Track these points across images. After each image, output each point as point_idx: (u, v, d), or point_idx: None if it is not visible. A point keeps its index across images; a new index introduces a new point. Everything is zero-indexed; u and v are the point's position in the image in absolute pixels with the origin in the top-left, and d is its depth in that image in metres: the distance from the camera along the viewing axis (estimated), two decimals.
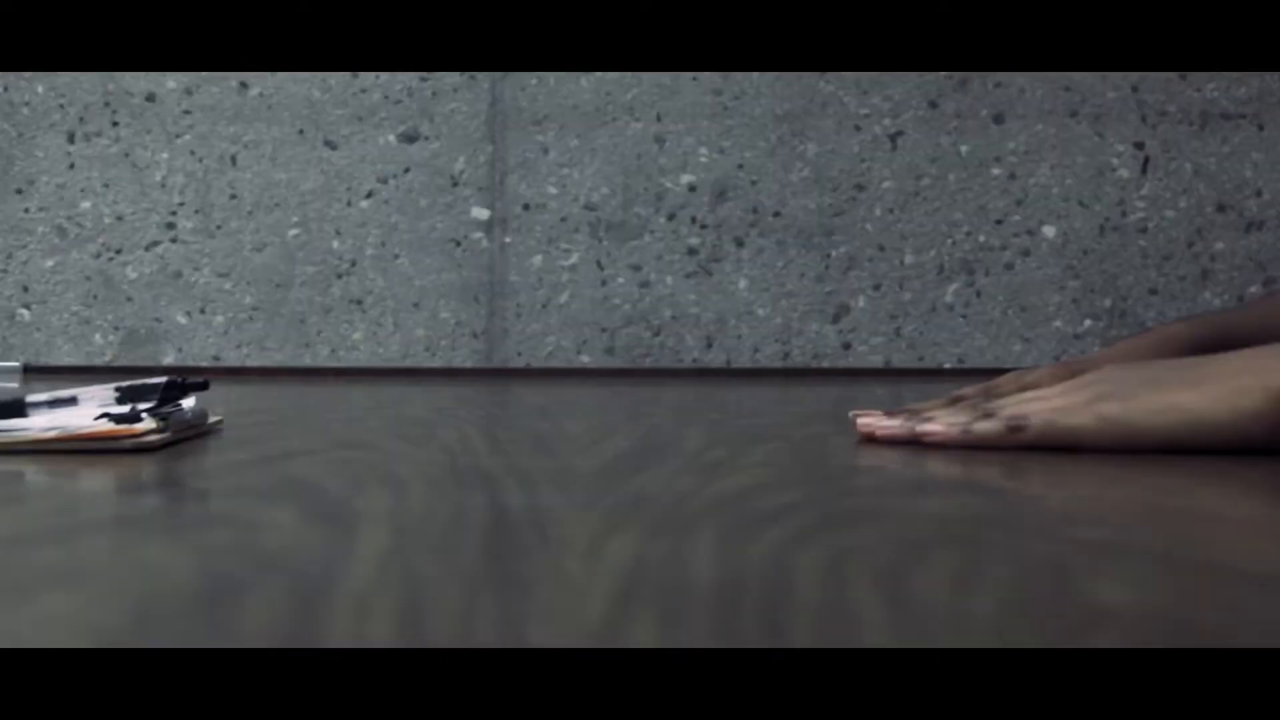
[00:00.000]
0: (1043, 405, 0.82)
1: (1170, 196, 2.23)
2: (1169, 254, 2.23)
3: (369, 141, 2.23)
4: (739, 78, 2.22)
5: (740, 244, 2.23)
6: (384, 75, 2.22)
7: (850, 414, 0.92)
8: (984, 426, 0.82)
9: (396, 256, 2.23)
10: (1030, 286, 2.23)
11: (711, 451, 0.81)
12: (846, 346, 2.23)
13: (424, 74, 2.22)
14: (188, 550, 0.47)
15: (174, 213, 2.23)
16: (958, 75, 2.22)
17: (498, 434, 0.97)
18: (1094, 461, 0.74)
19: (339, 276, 2.22)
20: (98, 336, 2.25)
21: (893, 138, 2.23)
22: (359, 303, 2.22)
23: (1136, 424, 0.78)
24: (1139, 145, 2.23)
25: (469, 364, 2.23)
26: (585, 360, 2.22)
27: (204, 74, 2.21)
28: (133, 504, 0.60)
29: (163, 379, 0.91)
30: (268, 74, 2.21)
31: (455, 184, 2.23)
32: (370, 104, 2.22)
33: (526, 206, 2.23)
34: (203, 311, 2.23)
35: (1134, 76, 2.22)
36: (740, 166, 2.23)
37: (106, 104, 2.18)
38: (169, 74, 2.19)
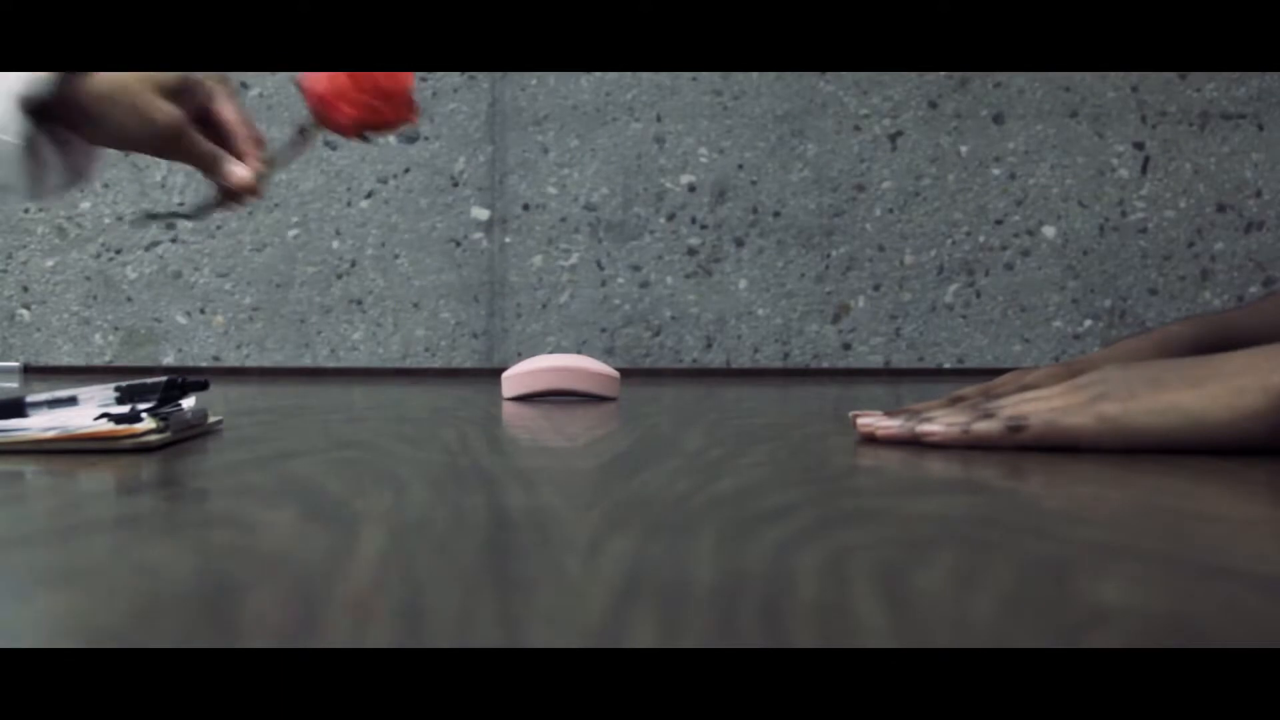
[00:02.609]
0: (1043, 405, 0.82)
1: (1170, 196, 2.23)
2: (1169, 254, 2.23)
3: (369, 141, 2.23)
4: (739, 78, 2.22)
5: (740, 244, 2.23)
6: None
7: (850, 414, 0.92)
8: (984, 426, 0.82)
9: (396, 256, 2.22)
10: (1030, 286, 2.23)
11: (711, 451, 0.81)
12: (846, 346, 2.23)
13: (424, 74, 2.22)
14: (188, 550, 0.47)
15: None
16: (958, 75, 2.22)
17: (498, 434, 0.97)
18: (1094, 461, 0.74)
19: (339, 276, 2.22)
20: (98, 336, 2.24)
21: (893, 138, 2.23)
22: (359, 303, 2.22)
23: (1136, 424, 0.78)
24: (1139, 145, 2.23)
25: (469, 364, 2.23)
26: None
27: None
28: (133, 504, 0.60)
29: (163, 379, 0.91)
30: (268, 74, 2.21)
31: (455, 184, 2.23)
32: None
33: (526, 206, 2.23)
34: (203, 311, 2.23)
35: (1134, 76, 2.22)
36: (740, 166, 2.23)
37: None
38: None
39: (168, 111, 1.05)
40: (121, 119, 1.04)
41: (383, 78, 1.08)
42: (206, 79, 1.07)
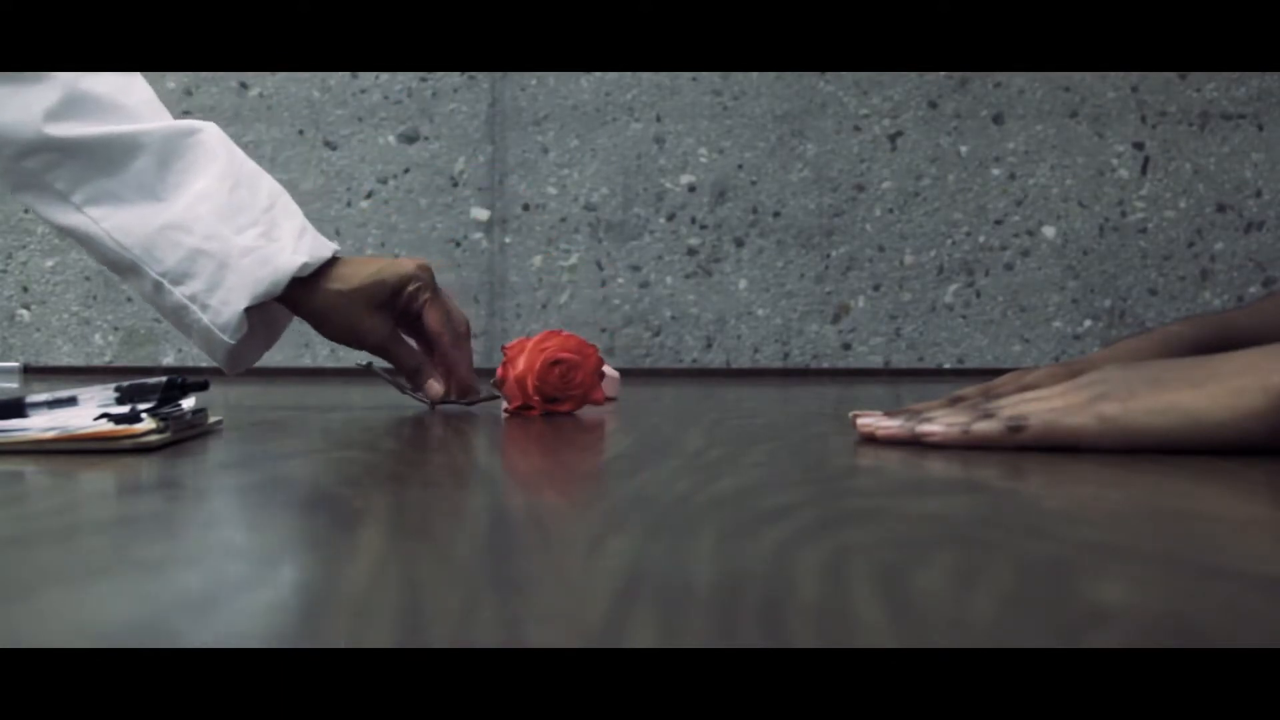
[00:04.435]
0: (1042, 405, 0.82)
1: (1170, 196, 2.23)
2: (1169, 254, 2.23)
3: (369, 141, 2.23)
4: (739, 78, 2.22)
5: (740, 244, 2.23)
6: (384, 75, 2.22)
7: (850, 414, 0.92)
8: (984, 426, 0.82)
9: (396, 256, 2.22)
10: (1030, 286, 2.23)
11: (711, 451, 0.81)
12: (846, 346, 2.23)
13: (424, 74, 2.22)
14: (188, 550, 0.47)
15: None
16: (958, 75, 2.22)
17: (498, 434, 0.97)
18: (1094, 461, 0.74)
19: None
20: (98, 336, 2.24)
21: (893, 138, 2.23)
22: None
23: (1137, 424, 0.78)
24: (1139, 145, 2.23)
25: None
26: None
27: (204, 74, 2.21)
28: (133, 504, 0.60)
29: (162, 379, 0.91)
30: (268, 74, 2.21)
31: (455, 184, 2.23)
32: (370, 104, 2.22)
33: (526, 206, 2.23)
34: None
35: (1134, 76, 2.22)
36: (740, 166, 2.23)
37: None
38: (169, 74, 2.19)
39: (375, 329, 1.17)
40: (335, 332, 1.17)
41: (562, 380, 1.16)
42: (414, 282, 1.18)
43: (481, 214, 2.23)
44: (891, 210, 2.23)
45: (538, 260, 2.22)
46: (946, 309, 2.23)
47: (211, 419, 0.97)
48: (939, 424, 0.83)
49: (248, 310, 1.13)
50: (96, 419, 0.81)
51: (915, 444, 0.84)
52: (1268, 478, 0.67)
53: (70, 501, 0.61)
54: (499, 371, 1.17)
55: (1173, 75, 2.22)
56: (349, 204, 2.23)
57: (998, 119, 2.23)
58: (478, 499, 0.60)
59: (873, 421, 0.88)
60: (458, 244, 2.22)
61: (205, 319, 1.13)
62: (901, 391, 1.64)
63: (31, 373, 2.19)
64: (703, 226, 2.22)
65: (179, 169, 1.15)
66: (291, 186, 2.22)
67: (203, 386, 0.95)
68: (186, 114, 2.21)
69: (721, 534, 0.50)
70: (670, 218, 2.22)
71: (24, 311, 2.24)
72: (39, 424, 0.82)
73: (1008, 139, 2.23)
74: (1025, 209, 2.23)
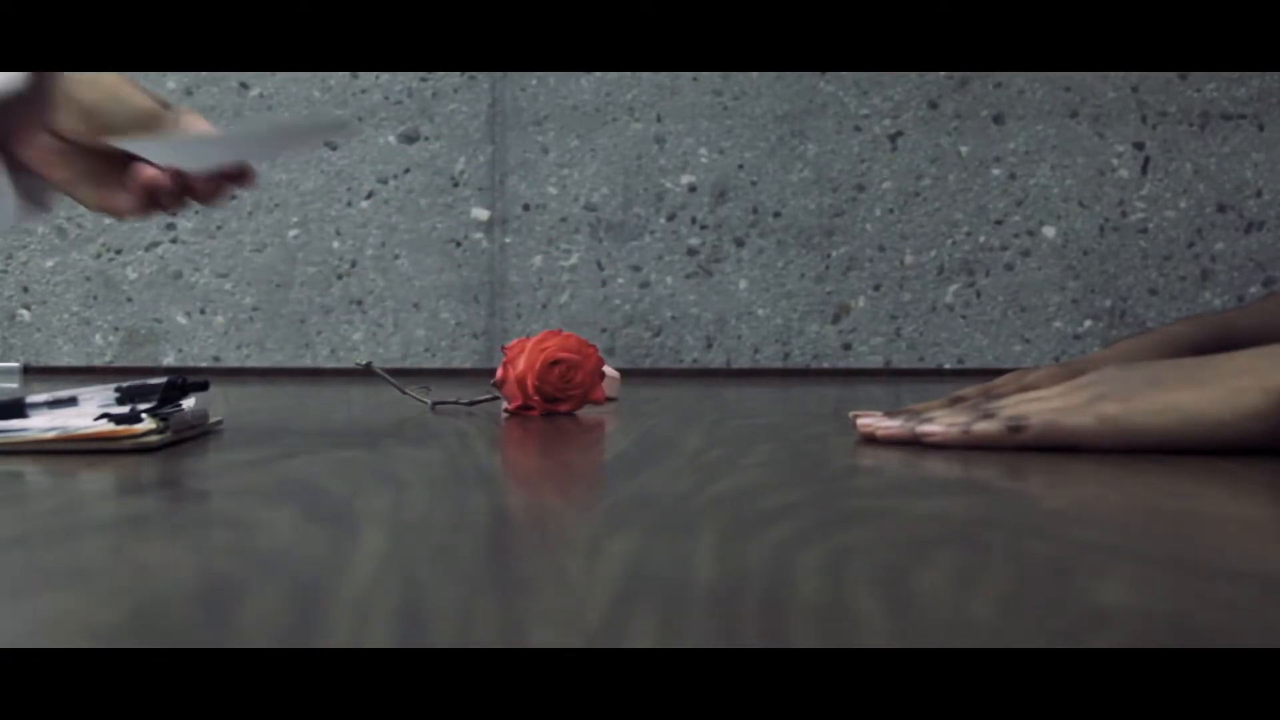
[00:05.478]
0: (1043, 405, 0.82)
1: (1170, 196, 2.23)
2: (1169, 254, 2.23)
3: (369, 141, 2.22)
4: (739, 78, 2.22)
5: (740, 244, 2.23)
6: (384, 75, 2.22)
7: (850, 414, 0.92)
8: (984, 427, 0.82)
9: (396, 256, 2.22)
10: (1030, 287, 2.23)
11: (711, 451, 0.81)
12: (846, 347, 2.23)
13: (424, 74, 2.22)
14: (188, 550, 0.47)
15: (174, 213, 2.23)
16: (958, 75, 2.22)
17: (497, 434, 0.97)
18: (1094, 461, 0.74)
19: (339, 276, 2.22)
20: (98, 337, 2.24)
21: (893, 138, 2.23)
22: (359, 303, 2.22)
23: (1137, 424, 0.78)
24: (1139, 145, 2.23)
25: (469, 364, 2.23)
26: None
27: (204, 74, 2.21)
28: (133, 504, 0.60)
29: (163, 379, 0.91)
30: (268, 74, 2.21)
31: (455, 184, 2.23)
32: (370, 104, 2.22)
33: (526, 206, 2.23)
34: (203, 312, 2.23)
35: (1134, 76, 2.22)
36: (740, 166, 2.23)
37: None
38: (169, 74, 2.19)
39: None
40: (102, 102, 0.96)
41: (562, 380, 1.16)
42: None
43: (481, 214, 2.23)
44: (892, 210, 2.23)
45: (538, 260, 2.22)
46: (947, 309, 2.23)
47: (211, 419, 0.97)
48: (939, 424, 0.83)
49: None
50: (97, 419, 0.81)
51: (915, 444, 0.84)
52: (1268, 478, 0.67)
53: (70, 501, 0.61)
54: (499, 372, 1.17)
55: (1173, 75, 2.22)
56: (349, 204, 2.22)
57: (998, 119, 2.23)
58: (478, 499, 0.60)
59: (873, 422, 0.88)
60: (458, 244, 2.22)
61: None
62: (901, 391, 1.63)
63: (31, 373, 2.19)
64: (703, 226, 2.22)
65: None
66: (292, 187, 2.22)
67: (203, 387, 0.95)
68: None
69: (721, 534, 0.50)
70: (670, 218, 2.22)
71: (24, 311, 2.24)
72: (39, 424, 0.82)
73: (1008, 139, 2.23)
74: (1025, 209, 2.23)
